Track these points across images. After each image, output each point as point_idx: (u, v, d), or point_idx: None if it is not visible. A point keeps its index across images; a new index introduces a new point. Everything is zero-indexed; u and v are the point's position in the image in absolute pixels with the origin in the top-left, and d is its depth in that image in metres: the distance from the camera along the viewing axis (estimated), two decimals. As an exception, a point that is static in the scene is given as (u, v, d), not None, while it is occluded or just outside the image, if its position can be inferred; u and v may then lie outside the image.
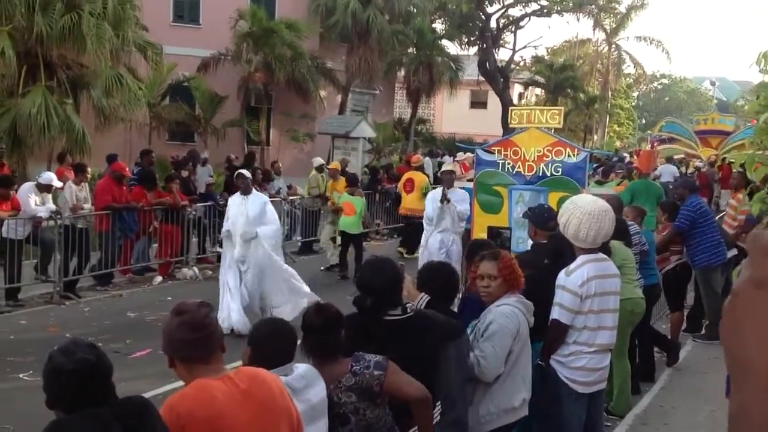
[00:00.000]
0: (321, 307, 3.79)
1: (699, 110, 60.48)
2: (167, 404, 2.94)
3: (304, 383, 3.47)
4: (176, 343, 3.02)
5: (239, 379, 3.06)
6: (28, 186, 11.76)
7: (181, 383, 3.13)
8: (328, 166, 15.88)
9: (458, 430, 4.45)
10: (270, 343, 3.47)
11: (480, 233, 8.55)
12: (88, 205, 12.39)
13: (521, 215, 8.15)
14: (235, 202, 10.20)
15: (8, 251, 10.87)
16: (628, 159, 30.98)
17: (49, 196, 11.79)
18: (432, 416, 3.87)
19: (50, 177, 11.90)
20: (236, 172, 10.56)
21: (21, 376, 8.04)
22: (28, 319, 10.48)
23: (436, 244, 11.13)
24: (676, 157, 25.97)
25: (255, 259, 9.96)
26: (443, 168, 12.08)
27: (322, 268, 14.73)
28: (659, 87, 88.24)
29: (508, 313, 4.62)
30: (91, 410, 2.64)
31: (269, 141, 27.66)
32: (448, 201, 11.00)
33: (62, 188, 12.12)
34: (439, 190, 11.41)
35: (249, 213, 9.94)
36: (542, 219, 6.03)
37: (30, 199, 11.31)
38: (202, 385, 2.97)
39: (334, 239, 14.97)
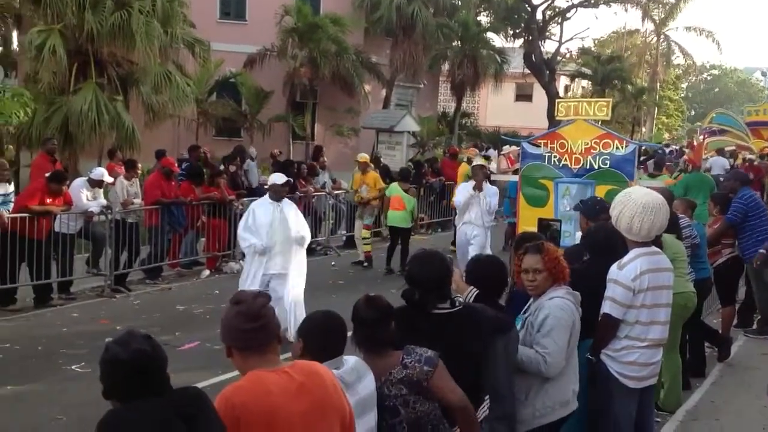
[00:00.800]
0: (372, 300, 3.75)
1: (750, 101, 59.16)
2: (223, 395, 2.96)
3: (355, 376, 3.47)
4: (233, 331, 3.05)
5: (295, 372, 3.07)
6: (79, 181, 11.97)
7: (230, 375, 3.17)
8: (358, 159, 15.53)
9: (506, 425, 4.44)
10: (322, 335, 3.47)
11: (525, 226, 8.49)
12: (138, 200, 12.59)
13: (570, 208, 8.09)
14: (265, 209, 9.18)
15: (61, 245, 11.10)
16: (676, 151, 30.48)
17: (101, 191, 11.99)
18: (476, 423, 3.83)
19: (101, 172, 12.09)
20: (285, 181, 9.42)
21: (73, 367, 8.20)
22: (80, 312, 10.68)
23: (461, 236, 11.74)
24: (726, 149, 25.44)
25: (294, 268, 9.21)
26: (474, 162, 12.06)
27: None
28: (709, 78, 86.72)
29: (562, 306, 4.59)
30: (147, 400, 2.67)
31: (314, 136, 27.77)
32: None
33: (113, 183, 12.32)
34: (470, 183, 11.70)
35: (289, 218, 9.12)
36: (594, 211, 5.94)
37: (82, 194, 11.51)
38: (257, 377, 2.99)
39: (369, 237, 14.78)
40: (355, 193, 15.14)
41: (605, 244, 5.37)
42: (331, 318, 3.54)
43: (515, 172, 11.14)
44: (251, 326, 3.01)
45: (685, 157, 20.79)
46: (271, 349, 3.08)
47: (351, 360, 3.53)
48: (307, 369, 3.13)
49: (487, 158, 22.67)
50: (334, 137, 26.88)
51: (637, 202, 4.94)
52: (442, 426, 3.76)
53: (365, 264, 14.38)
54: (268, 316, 3.06)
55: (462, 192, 11.78)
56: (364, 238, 14.57)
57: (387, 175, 15.92)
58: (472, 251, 10.88)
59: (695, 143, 20.15)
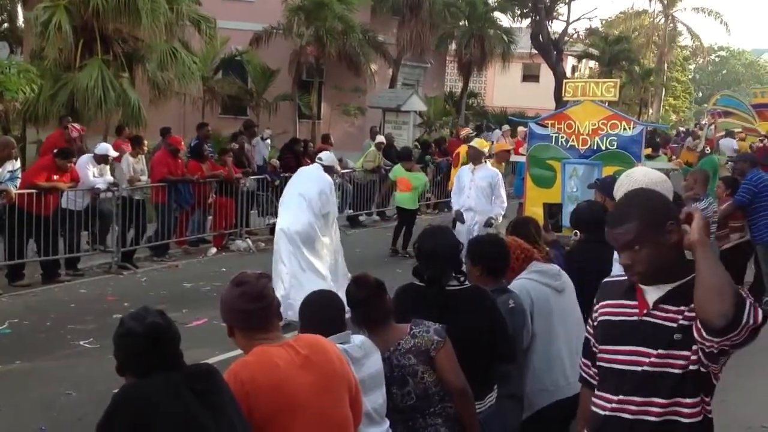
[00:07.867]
0: (359, 279, 3.83)
1: (758, 83, 58.91)
2: (231, 371, 3.00)
3: (362, 353, 3.52)
4: (236, 312, 3.09)
5: (299, 345, 3.12)
6: (86, 158, 11.96)
7: (238, 352, 3.20)
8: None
9: (514, 404, 4.44)
10: (318, 311, 3.55)
11: (532, 207, 8.48)
12: (144, 177, 12.59)
13: (577, 189, 8.07)
14: None
15: (68, 222, 11.13)
16: (683, 133, 30.32)
17: (107, 168, 11.99)
18: (473, 409, 3.83)
19: (106, 147, 12.08)
20: None
21: (82, 343, 8.26)
22: (87, 289, 10.72)
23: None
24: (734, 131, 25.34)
25: None
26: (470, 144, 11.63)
27: None
28: (717, 60, 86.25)
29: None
30: (161, 375, 2.69)
31: (320, 115, 27.72)
32: None
33: (118, 159, 12.33)
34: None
35: None
36: (612, 189, 5.80)
37: (88, 170, 11.52)
38: (263, 351, 3.03)
39: None
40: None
41: (592, 218, 5.40)
42: (322, 295, 3.65)
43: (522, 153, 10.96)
44: (255, 306, 3.06)
45: (704, 138, 20.67)
46: (273, 326, 3.13)
47: (358, 337, 3.58)
48: (311, 342, 3.18)
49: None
50: (341, 116, 26.81)
51: (663, 178, 4.93)
52: (449, 397, 3.77)
53: None
54: (270, 296, 3.11)
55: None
56: None
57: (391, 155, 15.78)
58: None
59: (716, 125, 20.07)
